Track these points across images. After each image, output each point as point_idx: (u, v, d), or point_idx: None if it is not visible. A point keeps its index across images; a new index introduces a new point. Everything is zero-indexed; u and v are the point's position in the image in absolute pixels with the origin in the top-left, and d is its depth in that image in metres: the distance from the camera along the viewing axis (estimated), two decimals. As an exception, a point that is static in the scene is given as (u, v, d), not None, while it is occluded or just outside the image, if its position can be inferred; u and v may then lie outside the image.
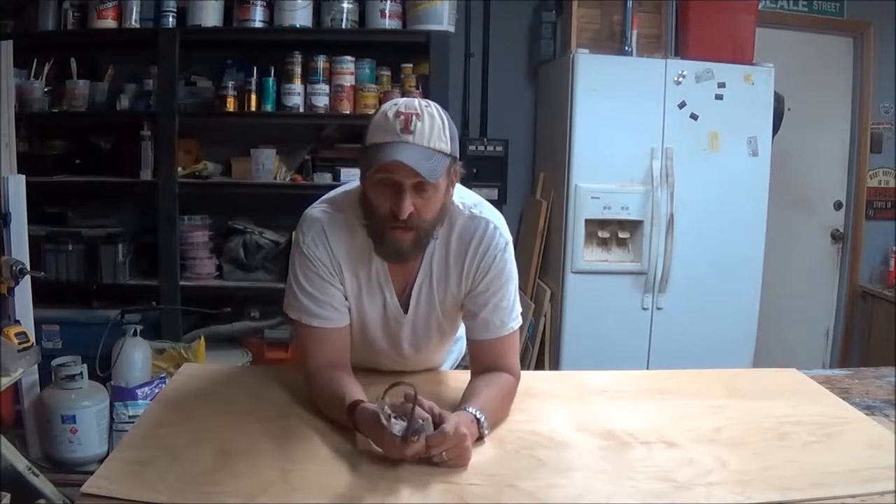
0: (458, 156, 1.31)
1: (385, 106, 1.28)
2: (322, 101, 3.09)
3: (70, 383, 2.46)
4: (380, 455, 1.14)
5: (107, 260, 3.08)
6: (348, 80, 3.11)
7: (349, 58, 3.10)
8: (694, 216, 3.13)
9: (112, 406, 2.55)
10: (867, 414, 1.43)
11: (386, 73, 3.19)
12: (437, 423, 1.14)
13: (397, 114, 1.23)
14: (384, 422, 1.10)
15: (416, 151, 1.22)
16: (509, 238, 1.40)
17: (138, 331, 2.66)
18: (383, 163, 1.21)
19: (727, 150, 3.14)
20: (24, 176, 2.47)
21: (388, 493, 1.06)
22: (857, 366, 3.08)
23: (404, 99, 1.28)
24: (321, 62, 3.09)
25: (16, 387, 2.42)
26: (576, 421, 1.34)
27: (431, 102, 1.29)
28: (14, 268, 2.22)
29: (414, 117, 1.23)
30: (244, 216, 3.27)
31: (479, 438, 1.22)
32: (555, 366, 3.19)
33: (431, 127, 1.24)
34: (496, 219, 1.40)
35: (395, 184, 1.24)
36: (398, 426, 1.10)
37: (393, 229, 1.27)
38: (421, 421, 1.11)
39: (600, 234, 3.15)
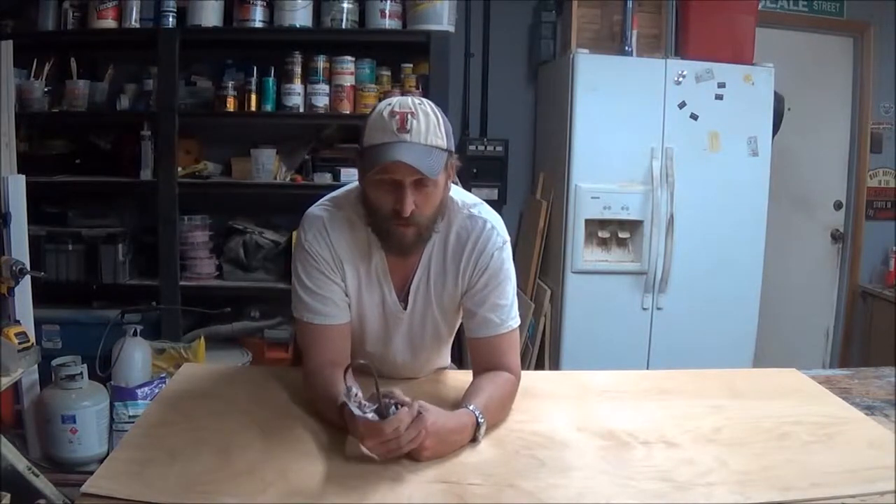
0: (453, 149, 1.32)
1: (379, 106, 1.29)
2: (322, 101, 3.09)
3: (70, 383, 2.46)
4: (372, 458, 1.14)
5: (107, 260, 3.08)
6: (348, 80, 3.10)
7: (349, 58, 3.10)
8: (694, 216, 3.12)
9: (112, 406, 2.55)
10: (867, 414, 1.43)
11: (386, 73, 3.19)
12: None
13: (392, 113, 1.25)
14: (355, 410, 1.09)
15: (414, 150, 1.23)
16: (507, 238, 1.42)
17: (138, 331, 2.66)
18: (384, 163, 1.23)
19: (727, 150, 3.14)
20: (24, 176, 2.46)
21: (389, 493, 1.06)
22: (857, 366, 3.08)
23: (397, 98, 1.30)
24: (321, 62, 3.08)
25: (16, 387, 2.42)
26: (576, 421, 1.34)
27: (424, 99, 1.30)
28: (14, 268, 2.22)
29: (409, 116, 1.24)
30: (244, 216, 3.27)
31: (474, 440, 1.22)
32: (555, 366, 3.19)
33: (427, 124, 1.25)
34: (494, 219, 1.42)
35: (395, 183, 1.25)
36: (371, 412, 1.09)
37: (396, 226, 1.29)
38: (390, 401, 1.11)
39: (600, 234, 3.15)
